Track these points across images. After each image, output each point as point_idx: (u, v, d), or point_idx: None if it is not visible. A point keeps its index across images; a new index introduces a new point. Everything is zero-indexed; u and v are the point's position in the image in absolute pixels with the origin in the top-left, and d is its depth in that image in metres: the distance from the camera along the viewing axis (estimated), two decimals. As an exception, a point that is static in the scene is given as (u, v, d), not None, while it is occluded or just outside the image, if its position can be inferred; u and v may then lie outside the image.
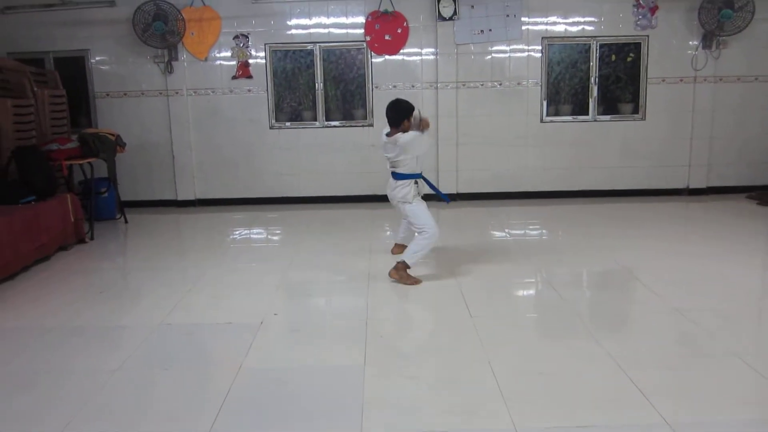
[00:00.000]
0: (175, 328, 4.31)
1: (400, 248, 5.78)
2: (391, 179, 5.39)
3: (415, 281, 5.17)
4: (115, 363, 3.71)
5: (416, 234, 5.30)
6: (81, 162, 7.15)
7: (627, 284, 5.22)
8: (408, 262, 5.19)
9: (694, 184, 8.82)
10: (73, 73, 8.57)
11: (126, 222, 7.93)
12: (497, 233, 7.13)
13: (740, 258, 5.73)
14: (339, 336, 4.14)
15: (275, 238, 7.45)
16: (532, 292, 5.24)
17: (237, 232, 7.41)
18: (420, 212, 5.28)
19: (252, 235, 7.40)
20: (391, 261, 5.53)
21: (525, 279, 5.50)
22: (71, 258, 6.33)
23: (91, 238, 7.01)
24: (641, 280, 5.11)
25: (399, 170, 5.28)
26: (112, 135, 7.50)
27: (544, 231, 7.23)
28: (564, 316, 4.43)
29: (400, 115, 5.19)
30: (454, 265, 5.66)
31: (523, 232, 7.35)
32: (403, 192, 5.29)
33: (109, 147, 7.31)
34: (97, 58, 8.62)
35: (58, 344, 4.09)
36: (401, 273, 5.17)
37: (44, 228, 6.06)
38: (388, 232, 7.11)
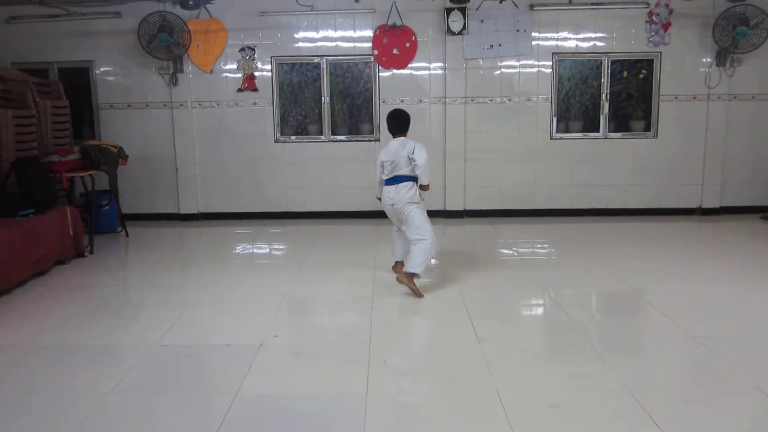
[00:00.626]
0: (171, 350, 4.15)
1: (401, 265, 5.67)
2: (390, 186, 5.33)
3: (419, 294, 5.15)
4: (106, 386, 3.55)
5: (415, 243, 5.24)
6: (82, 174, 7.03)
7: (640, 309, 5.03)
8: (419, 272, 5.14)
9: (707, 204, 8.63)
10: (77, 84, 8.48)
11: (127, 235, 7.79)
12: (505, 251, 6.96)
13: (757, 282, 5.54)
14: (341, 360, 3.97)
15: (278, 253, 7.30)
16: (541, 315, 5.06)
17: (240, 247, 7.27)
18: (424, 216, 5.32)
19: (255, 251, 7.26)
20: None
21: (534, 301, 5.34)
22: (69, 272, 6.19)
23: (91, 252, 6.88)
24: (655, 305, 4.92)
25: (402, 173, 5.28)
26: (115, 147, 7.39)
27: (552, 250, 7.05)
28: (575, 341, 4.25)
29: (406, 122, 5.43)
30: (461, 285, 5.49)
31: (531, 250, 7.17)
32: (411, 192, 5.30)
33: (111, 159, 7.20)
34: (101, 69, 8.53)
35: (49, 364, 3.94)
36: (412, 283, 5.14)
37: (42, 241, 5.92)
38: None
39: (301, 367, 3.90)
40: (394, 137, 5.41)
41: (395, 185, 5.31)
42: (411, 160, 5.19)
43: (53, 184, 6.53)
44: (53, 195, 6.42)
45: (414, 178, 5.29)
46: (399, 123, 5.41)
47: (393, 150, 5.30)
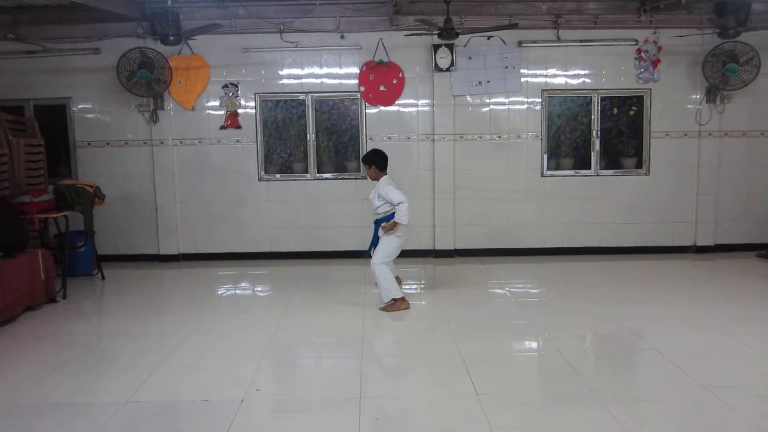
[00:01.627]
0: (143, 407, 3.82)
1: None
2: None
3: (402, 306, 5.90)
4: (69, 452, 3.22)
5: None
6: (55, 215, 6.70)
7: (643, 356, 4.75)
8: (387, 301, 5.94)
9: (702, 242, 8.46)
10: (54, 121, 8.22)
11: (103, 278, 7.44)
12: (498, 292, 6.70)
13: (761, 325, 5.32)
14: (328, 418, 3.66)
15: (262, 296, 6.97)
16: (541, 363, 4.76)
17: (221, 291, 6.92)
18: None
19: (237, 293, 6.92)
20: (386, 322, 5.14)
21: (531, 346, 5.07)
22: (39, 320, 5.83)
23: (64, 297, 6.53)
24: (658, 350, 4.67)
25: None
26: (90, 186, 7.09)
27: (545, 290, 6.80)
28: (575, 389, 3.97)
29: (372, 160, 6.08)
30: (453, 329, 5.24)
31: (524, 291, 6.92)
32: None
33: (86, 199, 6.89)
34: (79, 106, 8.27)
35: (15, 427, 3.58)
36: (390, 309, 5.88)
37: (9, 287, 5.59)
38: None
39: (286, 425, 3.58)
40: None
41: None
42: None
43: (24, 226, 6.20)
44: (23, 237, 6.08)
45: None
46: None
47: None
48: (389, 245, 5.96)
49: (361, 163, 6.78)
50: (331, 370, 4.59)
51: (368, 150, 6.36)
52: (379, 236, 6.04)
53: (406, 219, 5.76)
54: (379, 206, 5.94)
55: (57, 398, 4.00)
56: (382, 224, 5.94)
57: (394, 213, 5.81)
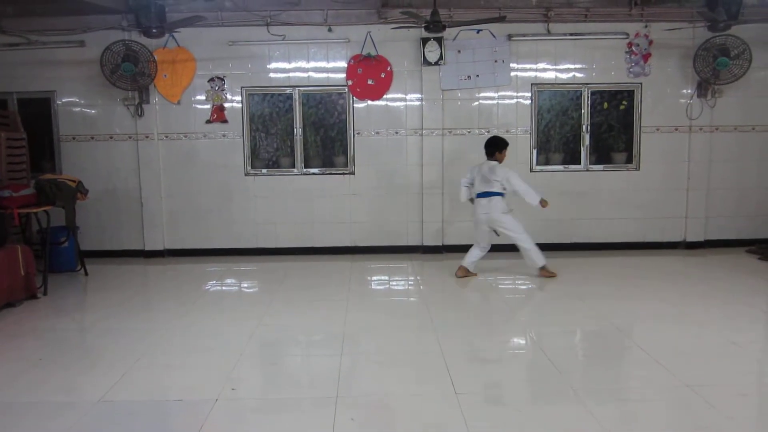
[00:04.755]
0: (115, 407, 3.74)
1: (464, 271, 6.94)
2: (482, 199, 6.71)
3: (552, 273, 6.82)
4: (34, 454, 3.14)
5: (521, 245, 6.78)
6: (36, 210, 6.62)
7: (628, 354, 4.68)
8: (540, 264, 6.79)
9: (692, 237, 8.40)
10: (37, 115, 8.11)
11: (86, 274, 7.35)
12: (484, 288, 6.62)
13: (748, 322, 5.26)
14: (304, 417, 3.58)
15: (247, 292, 6.90)
16: (523, 361, 4.67)
17: (205, 287, 6.82)
18: (516, 222, 6.71)
19: (222, 290, 6.84)
20: (370, 321, 5.07)
21: (515, 344, 5.00)
22: (17, 317, 5.74)
23: (45, 293, 6.44)
24: (643, 348, 4.60)
25: (493, 189, 6.64)
26: (73, 181, 6.99)
27: (532, 287, 6.72)
28: (558, 388, 3.90)
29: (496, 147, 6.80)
30: (436, 327, 5.16)
31: (511, 287, 6.85)
32: (501, 205, 6.67)
33: (68, 194, 6.79)
34: (63, 100, 8.17)
35: (-26, 427, 3.51)
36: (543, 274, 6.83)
37: (-13, 283, 5.50)
38: (370, 286, 6.61)
39: (258, 425, 3.51)
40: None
41: (483, 199, 6.71)
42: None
43: (3, 222, 6.11)
44: (2, 233, 5.99)
45: (497, 193, 6.64)
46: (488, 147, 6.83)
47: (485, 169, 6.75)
48: (512, 220, 6.71)
49: (489, 148, 6.76)
50: (309, 369, 4.52)
51: (491, 136, 7.07)
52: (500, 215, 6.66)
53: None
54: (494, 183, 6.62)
55: (29, 397, 3.91)
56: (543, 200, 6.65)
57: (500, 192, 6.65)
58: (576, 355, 4.81)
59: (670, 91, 8.24)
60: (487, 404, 3.72)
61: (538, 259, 6.79)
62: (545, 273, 6.83)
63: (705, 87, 8.10)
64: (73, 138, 8.20)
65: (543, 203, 6.63)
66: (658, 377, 4.10)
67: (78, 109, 8.19)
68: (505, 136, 8.08)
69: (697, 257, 8.02)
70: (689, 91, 8.21)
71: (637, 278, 6.91)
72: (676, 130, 8.27)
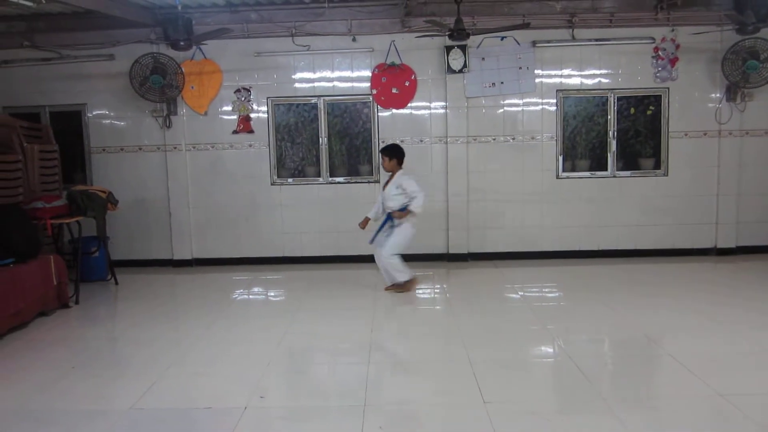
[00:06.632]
0: (146, 414, 3.79)
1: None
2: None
3: (409, 287, 6.64)
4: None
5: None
6: (68, 221, 6.75)
7: (659, 363, 4.62)
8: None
9: (723, 244, 8.25)
10: (69, 127, 8.29)
11: (116, 283, 7.47)
12: (512, 297, 6.59)
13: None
14: (330, 427, 3.60)
15: (274, 301, 6.96)
16: (552, 369, 4.65)
17: (233, 296, 6.89)
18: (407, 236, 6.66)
19: (249, 299, 6.90)
20: (397, 329, 5.06)
21: (543, 352, 4.96)
22: (50, 325, 5.85)
23: (76, 302, 6.56)
24: (674, 357, 4.53)
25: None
26: (104, 192, 7.12)
27: (560, 294, 6.68)
28: (588, 398, 3.86)
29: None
30: (463, 335, 5.14)
31: (539, 295, 6.80)
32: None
33: (99, 205, 6.91)
34: (94, 113, 8.33)
35: (6, 431, 3.59)
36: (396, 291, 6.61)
37: (22, 293, 5.61)
38: (396, 296, 6.61)
39: (287, 435, 3.53)
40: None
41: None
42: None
43: (36, 232, 6.23)
44: (35, 243, 6.11)
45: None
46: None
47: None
48: (403, 237, 6.54)
49: (379, 154, 6.92)
50: (337, 377, 4.54)
51: (387, 144, 7.07)
52: (392, 226, 6.58)
53: (421, 209, 6.42)
54: (395, 197, 6.50)
55: (62, 405, 3.99)
56: (395, 212, 6.46)
57: (407, 205, 6.42)
58: (605, 363, 4.75)
59: (698, 96, 8.13)
60: (516, 413, 3.69)
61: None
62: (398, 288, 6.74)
63: (734, 91, 7.98)
64: (103, 150, 8.35)
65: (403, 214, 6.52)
66: (689, 386, 4.04)
67: (108, 121, 8.35)
68: (530, 143, 8.18)
69: (729, 264, 7.88)
70: (718, 95, 8.10)
71: (667, 286, 6.82)
72: (705, 134, 8.16)
